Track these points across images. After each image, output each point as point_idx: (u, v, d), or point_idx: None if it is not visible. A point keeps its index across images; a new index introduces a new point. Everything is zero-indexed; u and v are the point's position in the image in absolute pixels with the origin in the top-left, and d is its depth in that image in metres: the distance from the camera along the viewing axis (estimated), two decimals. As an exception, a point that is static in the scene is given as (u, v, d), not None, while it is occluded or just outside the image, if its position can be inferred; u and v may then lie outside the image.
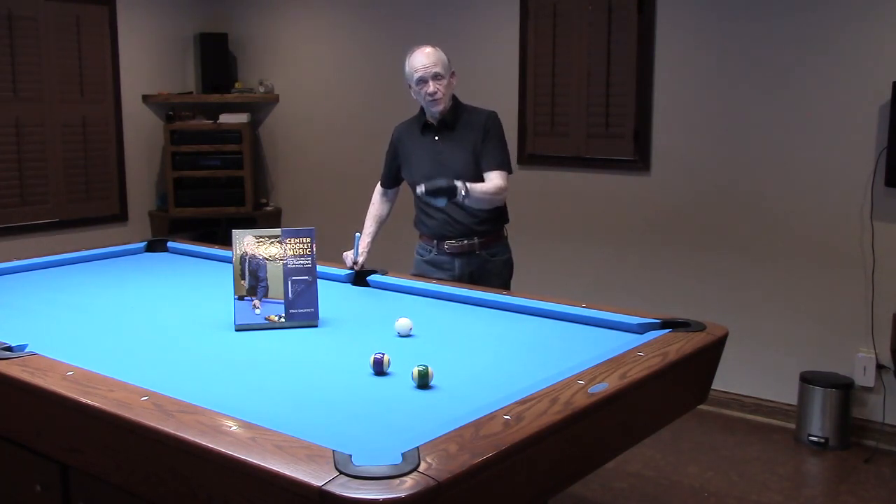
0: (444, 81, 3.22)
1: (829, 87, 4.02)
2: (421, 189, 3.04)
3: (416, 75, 3.21)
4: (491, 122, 3.29)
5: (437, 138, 3.30)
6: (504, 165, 3.29)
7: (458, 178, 3.18)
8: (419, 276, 3.35)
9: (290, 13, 5.94)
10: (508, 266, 3.44)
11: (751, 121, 4.24)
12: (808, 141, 4.10)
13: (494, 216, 3.35)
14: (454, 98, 3.33)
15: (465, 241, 3.32)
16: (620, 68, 4.55)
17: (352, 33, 5.67)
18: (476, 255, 3.34)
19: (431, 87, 3.19)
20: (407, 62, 3.26)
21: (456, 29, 5.08)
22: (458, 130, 3.29)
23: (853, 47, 3.94)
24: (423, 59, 3.21)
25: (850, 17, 3.93)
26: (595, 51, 4.61)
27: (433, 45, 3.26)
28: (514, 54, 4.90)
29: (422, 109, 3.35)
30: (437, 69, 3.20)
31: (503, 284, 3.38)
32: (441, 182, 3.04)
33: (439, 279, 3.30)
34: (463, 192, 3.05)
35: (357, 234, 3.26)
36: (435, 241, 3.37)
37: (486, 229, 3.33)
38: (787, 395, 4.22)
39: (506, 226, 3.45)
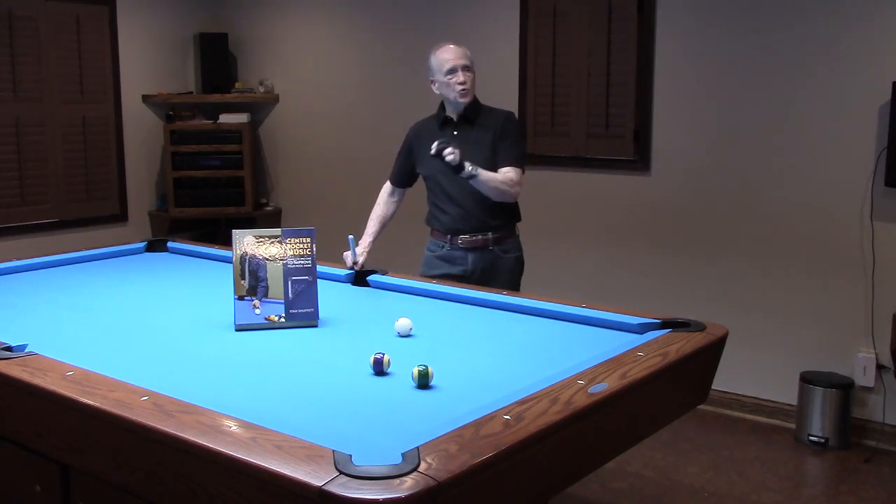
0: (472, 74, 3.31)
1: (829, 87, 4.02)
2: (433, 150, 3.05)
3: (448, 65, 3.27)
4: (509, 121, 3.37)
5: (455, 133, 3.33)
6: (519, 162, 3.33)
7: None
8: (429, 271, 3.39)
9: (290, 13, 5.94)
10: (520, 263, 3.46)
11: (751, 121, 4.24)
12: (808, 141, 4.10)
13: (507, 212, 3.39)
14: (474, 96, 3.37)
15: (479, 236, 3.35)
16: (620, 68, 4.55)
17: (352, 33, 5.67)
18: (489, 250, 3.37)
19: (461, 76, 3.26)
20: (433, 56, 3.32)
21: (456, 29, 5.07)
22: (476, 127, 3.34)
23: (853, 47, 3.94)
24: (452, 51, 3.30)
25: (850, 18, 3.93)
26: (595, 51, 4.61)
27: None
28: (514, 54, 4.90)
29: (440, 107, 3.40)
30: (466, 61, 3.30)
31: (514, 281, 3.42)
32: (451, 144, 3.06)
33: (449, 275, 3.34)
34: (471, 169, 3.10)
35: (350, 237, 3.27)
36: (448, 237, 3.40)
37: (499, 224, 3.36)
38: (787, 395, 4.22)
39: (517, 224, 3.48)
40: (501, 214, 3.36)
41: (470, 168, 3.10)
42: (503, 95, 4.87)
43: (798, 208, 4.16)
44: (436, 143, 3.06)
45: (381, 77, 5.50)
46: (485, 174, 3.17)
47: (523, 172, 3.36)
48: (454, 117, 3.36)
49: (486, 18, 5.02)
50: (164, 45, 6.00)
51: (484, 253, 3.37)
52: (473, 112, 3.34)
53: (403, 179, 3.54)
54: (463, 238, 3.36)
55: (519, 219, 3.47)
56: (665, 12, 4.43)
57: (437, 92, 3.36)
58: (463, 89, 3.27)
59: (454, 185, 3.31)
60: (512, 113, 3.41)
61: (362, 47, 5.62)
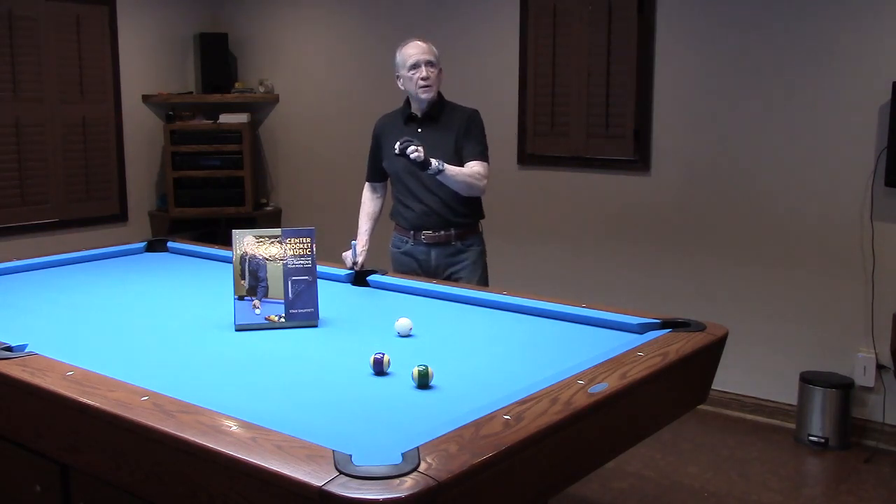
0: (436, 70, 3.33)
1: (829, 87, 4.02)
2: (396, 149, 3.07)
3: (410, 60, 3.31)
4: (473, 119, 3.40)
5: (419, 130, 3.37)
6: (483, 156, 3.37)
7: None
8: (398, 268, 3.45)
9: (290, 13, 5.94)
10: (483, 257, 3.51)
11: (751, 121, 4.24)
12: (808, 141, 4.10)
13: (471, 210, 3.43)
14: (439, 94, 3.41)
15: (442, 232, 3.40)
16: (620, 68, 4.55)
17: (352, 33, 5.67)
18: (451, 245, 3.41)
19: (424, 71, 3.29)
20: (399, 52, 3.36)
21: (456, 29, 5.08)
22: (441, 123, 3.38)
23: (853, 47, 3.94)
24: (416, 47, 3.33)
25: (849, 18, 3.93)
26: (595, 51, 4.61)
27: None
28: (514, 54, 4.90)
29: (406, 102, 3.44)
30: (430, 57, 3.32)
31: (480, 275, 3.46)
32: (414, 142, 3.07)
33: (416, 270, 3.39)
34: (438, 165, 3.12)
35: (353, 242, 3.30)
36: (412, 232, 3.44)
37: (462, 222, 3.41)
38: (787, 395, 4.22)
39: (481, 221, 3.51)
40: (465, 212, 3.40)
41: (436, 164, 3.13)
42: (503, 95, 4.87)
43: (798, 208, 4.16)
44: (398, 143, 3.07)
45: (381, 77, 5.49)
46: (452, 169, 3.21)
47: (488, 165, 3.40)
48: (418, 114, 3.38)
49: (486, 18, 5.02)
50: (164, 45, 6.00)
51: (447, 248, 3.41)
52: (438, 109, 3.37)
53: (378, 175, 3.57)
54: (426, 234, 3.41)
55: (482, 216, 3.51)
56: (665, 12, 4.43)
57: (402, 87, 3.40)
58: (424, 84, 3.29)
59: (417, 183, 3.35)
60: (476, 111, 3.43)
61: (362, 47, 5.62)
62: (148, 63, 5.91)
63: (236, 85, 6.10)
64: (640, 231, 4.63)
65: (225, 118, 5.91)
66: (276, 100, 6.06)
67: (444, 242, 3.41)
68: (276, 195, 6.21)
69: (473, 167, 3.31)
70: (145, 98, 5.88)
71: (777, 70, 4.14)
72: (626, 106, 4.56)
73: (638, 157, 4.57)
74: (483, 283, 3.44)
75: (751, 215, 4.29)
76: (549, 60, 4.77)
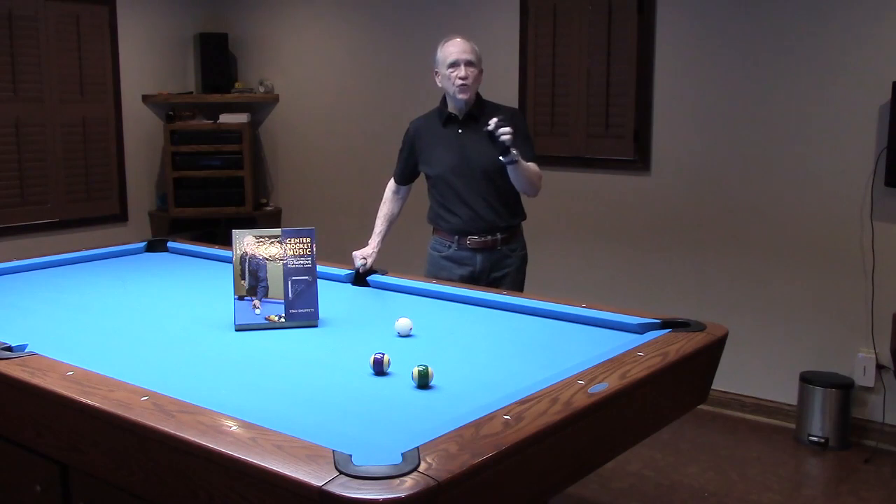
0: (475, 71, 3.25)
1: (829, 87, 4.02)
2: (490, 125, 2.96)
3: (450, 59, 3.22)
4: (517, 119, 3.32)
5: (460, 131, 3.31)
6: (536, 159, 3.31)
7: (482, 171, 3.22)
8: (437, 272, 3.37)
9: (290, 13, 5.94)
10: (524, 260, 3.47)
11: (751, 121, 4.24)
12: (808, 141, 4.10)
13: (515, 212, 3.39)
14: (478, 94, 3.34)
15: (489, 237, 3.34)
16: (620, 68, 4.55)
17: (352, 33, 5.68)
18: (497, 250, 3.36)
19: (463, 71, 3.21)
20: (440, 48, 3.28)
21: (456, 28, 5.03)
22: (482, 124, 3.28)
23: (853, 47, 3.94)
24: (457, 45, 3.24)
25: (849, 18, 3.93)
26: (595, 51, 4.61)
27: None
28: (514, 54, 4.90)
29: (442, 102, 3.36)
30: (471, 57, 3.24)
31: (520, 279, 3.42)
32: (508, 124, 3.00)
33: (457, 276, 3.33)
34: (515, 153, 3.04)
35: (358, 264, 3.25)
36: (456, 237, 3.36)
37: (507, 225, 3.36)
38: (787, 395, 4.22)
39: (522, 223, 3.48)
40: (509, 215, 3.35)
41: (515, 152, 3.05)
42: (503, 95, 4.84)
43: (798, 208, 4.16)
44: (494, 120, 2.96)
45: (381, 77, 5.50)
46: (524, 162, 3.13)
47: None
48: (458, 115, 3.31)
49: (486, 18, 5.02)
50: (164, 45, 6.01)
51: (492, 253, 3.35)
52: (478, 109, 3.30)
53: (407, 177, 3.52)
54: (472, 239, 3.34)
55: (525, 217, 3.46)
56: (665, 12, 4.43)
57: (439, 84, 3.32)
58: (462, 84, 3.21)
59: (465, 187, 3.28)
60: (517, 110, 3.38)
61: (362, 47, 5.62)
62: (148, 63, 5.91)
63: (236, 85, 6.11)
64: (640, 231, 4.63)
65: (225, 118, 5.91)
66: (276, 100, 6.06)
67: (491, 247, 3.34)
68: (276, 195, 6.21)
69: (535, 168, 3.24)
70: (145, 98, 5.88)
71: (777, 70, 4.14)
72: (626, 106, 4.56)
73: (638, 157, 4.57)
74: (520, 288, 3.38)
75: (751, 215, 4.29)
76: (549, 60, 4.77)
